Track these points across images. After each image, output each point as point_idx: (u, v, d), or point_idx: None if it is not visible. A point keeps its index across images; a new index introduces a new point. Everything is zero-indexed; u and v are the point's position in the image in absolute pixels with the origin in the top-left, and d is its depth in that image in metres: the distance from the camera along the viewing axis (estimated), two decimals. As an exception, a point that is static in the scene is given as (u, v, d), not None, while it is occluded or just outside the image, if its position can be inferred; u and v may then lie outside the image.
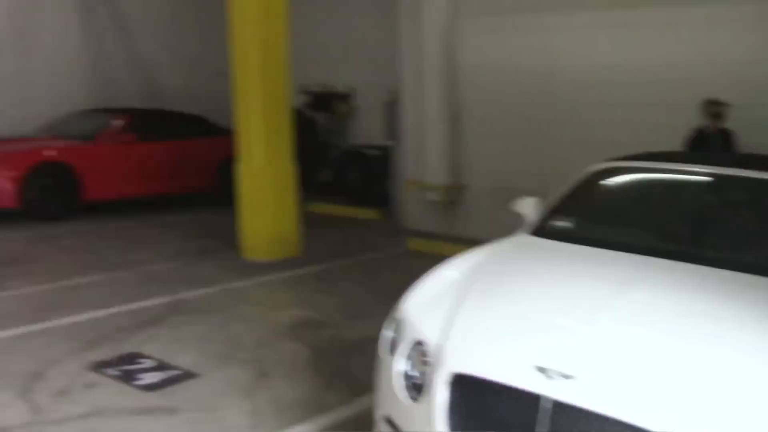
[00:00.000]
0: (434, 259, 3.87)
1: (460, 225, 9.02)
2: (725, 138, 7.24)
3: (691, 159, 4.83)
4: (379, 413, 3.21)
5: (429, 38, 9.31)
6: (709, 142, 7.18)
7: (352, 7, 12.07)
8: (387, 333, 3.24)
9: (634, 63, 7.97)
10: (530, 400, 2.60)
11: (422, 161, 9.47)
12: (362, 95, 12.18)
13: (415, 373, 3.00)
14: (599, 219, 4.43)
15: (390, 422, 3.09)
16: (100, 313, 5.49)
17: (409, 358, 3.04)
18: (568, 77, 8.47)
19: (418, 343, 3.02)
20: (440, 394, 2.80)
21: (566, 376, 2.56)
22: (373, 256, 7.80)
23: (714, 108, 7.13)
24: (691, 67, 7.72)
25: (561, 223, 4.22)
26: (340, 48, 12.15)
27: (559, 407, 2.53)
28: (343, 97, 12.29)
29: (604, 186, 4.57)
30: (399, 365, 3.05)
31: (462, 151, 9.43)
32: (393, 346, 3.15)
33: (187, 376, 4.34)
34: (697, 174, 4.34)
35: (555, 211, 4.28)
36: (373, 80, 11.40)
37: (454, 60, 9.31)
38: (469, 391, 2.78)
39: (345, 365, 4.60)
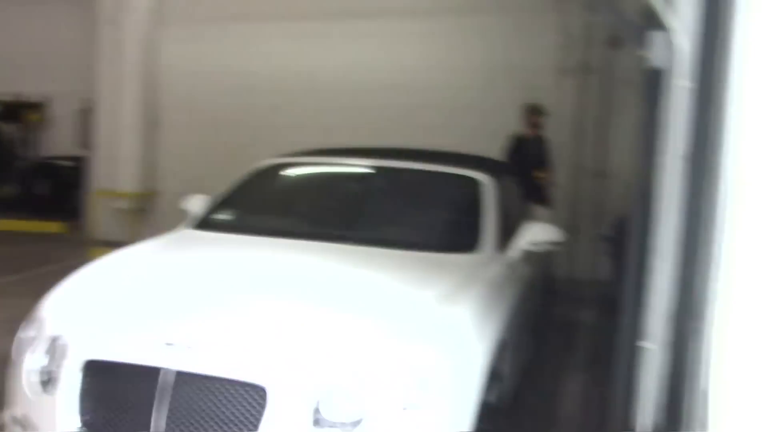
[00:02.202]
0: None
1: (149, 232, 8.81)
2: (540, 144, 7.66)
3: (351, 153, 5.22)
4: (8, 414, 3.16)
5: (129, 44, 9.27)
6: (526, 149, 7.60)
7: (44, 11, 11.40)
8: (25, 334, 3.19)
9: (325, 70, 9.10)
10: (153, 374, 2.79)
11: (115, 169, 9.32)
12: (57, 104, 11.62)
13: (52, 368, 2.99)
14: (261, 210, 4.70)
15: (19, 420, 3.06)
16: None
17: (47, 353, 3.04)
18: (267, 83, 9.17)
19: (56, 338, 3.05)
20: (71, 382, 2.89)
21: (188, 347, 2.84)
22: (50, 269, 7.26)
23: (533, 116, 7.66)
24: (382, 73, 8.96)
25: (223, 216, 4.37)
26: (32, 54, 11.46)
27: (180, 377, 2.77)
28: (35, 106, 11.62)
29: (269, 180, 4.89)
30: (32, 361, 3.04)
31: (159, 158, 9.41)
32: (31, 345, 3.13)
33: None
34: (354, 165, 4.87)
35: (219, 206, 4.42)
36: (69, 88, 10.95)
37: (155, 66, 9.23)
38: (101, 377, 2.87)
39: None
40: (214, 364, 2.84)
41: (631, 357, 3.23)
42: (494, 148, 6.02)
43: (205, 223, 4.47)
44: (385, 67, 9.03)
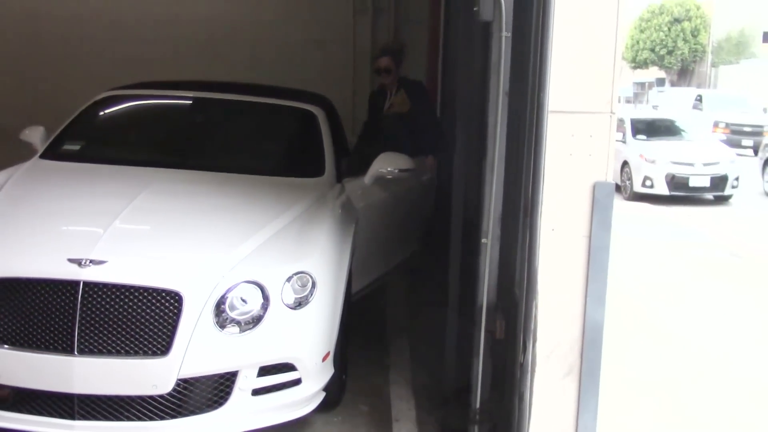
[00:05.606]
0: None
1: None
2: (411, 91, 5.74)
3: (180, 86, 5.59)
4: None
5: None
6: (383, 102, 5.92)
7: None
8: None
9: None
10: (69, 286, 3.12)
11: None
12: None
13: None
14: (105, 140, 5.10)
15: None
16: None
17: None
18: (57, 15, 8.79)
19: None
20: None
21: (99, 262, 3.19)
22: None
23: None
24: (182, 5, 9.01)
25: (69, 147, 4.53)
26: None
27: (95, 287, 3.14)
28: None
29: (108, 111, 5.00)
30: None
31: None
32: None
33: None
34: (184, 98, 5.29)
35: (62, 137, 4.58)
36: None
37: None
38: (10, 294, 3.15)
39: None
40: (126, 273, 3.22)
41: (466, 251, 4.04)
42: (293, 83, 6.37)
43: (52, 154, 4.67)
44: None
